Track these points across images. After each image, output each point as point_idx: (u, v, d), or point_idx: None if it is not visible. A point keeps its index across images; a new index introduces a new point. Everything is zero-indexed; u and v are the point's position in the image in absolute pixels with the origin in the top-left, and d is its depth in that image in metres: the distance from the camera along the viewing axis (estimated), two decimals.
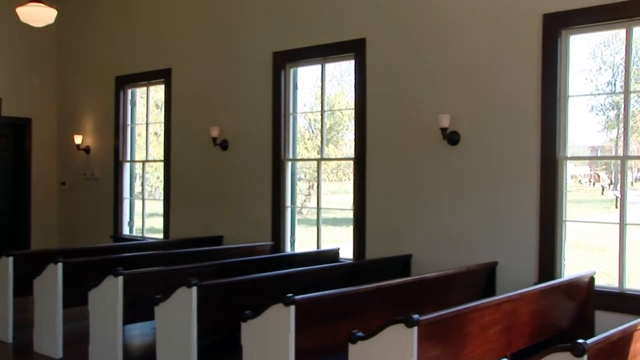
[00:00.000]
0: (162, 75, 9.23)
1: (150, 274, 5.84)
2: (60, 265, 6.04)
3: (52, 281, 6.08)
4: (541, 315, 4.87)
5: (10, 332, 6.56)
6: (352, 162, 7.26)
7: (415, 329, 3.56)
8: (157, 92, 9.83)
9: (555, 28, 5.75)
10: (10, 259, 6.54)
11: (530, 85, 5.87)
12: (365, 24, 7.02)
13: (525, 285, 5.20)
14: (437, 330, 3.77)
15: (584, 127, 6.33)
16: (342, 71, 8.28)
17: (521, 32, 5.94)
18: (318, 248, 7.52)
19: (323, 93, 7.64)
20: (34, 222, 10.91)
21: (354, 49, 7.10)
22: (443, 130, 6.31)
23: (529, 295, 4.73)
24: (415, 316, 3.57)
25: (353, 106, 7.21)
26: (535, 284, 5.42)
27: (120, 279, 5.43)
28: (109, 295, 5.49)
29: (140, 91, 9.97)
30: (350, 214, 7.23)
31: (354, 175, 7.17)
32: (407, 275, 6.40)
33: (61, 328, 6.09)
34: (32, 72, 10.80)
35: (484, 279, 5.98)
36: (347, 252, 7.28)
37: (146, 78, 9.55)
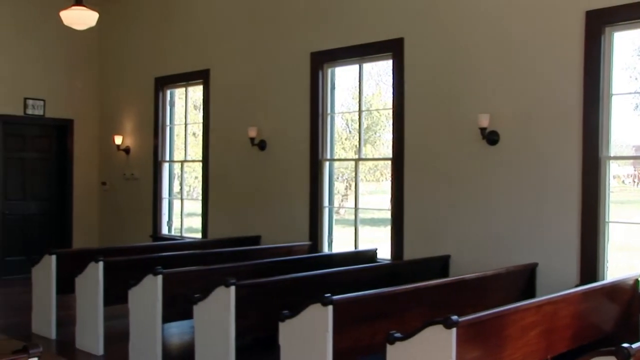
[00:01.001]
0: (200, 76, 9.31)
1: (189, 273, 5.89)
2: (101, 264, 6.14)
3: (93, 279, 6.18)
4: (583, 318, 4.79)
5: (54, 329, 6.70)
6: (389, 162, 7.22)
7: (454, 330, 3.52)
8: (195, 92, 9.92)
9: (599, 25, 5.63)
10: (53, 257, 6.67)
11: (572, 83, 5.77)
12: (403, 23, 6.98)
13: (567, 287, 5.12)
14: (477, 331, 3.72)
15: (628, 126, 6.18)
16: (380, 71, 8.24)
17: (563, 30, 5.84)
18: (356, 248, 7.50)
19: (361, 93, 7.62)
20: (76, 221, 11.09)
21: (391, 48, 7.06)
22: (482, 130, 6.24)
23: (571, 298, 4.65)
24: (454, 317, 3.54)
25: (390, 106, 7.18)
26: (577, 286, 5.32)
27: (160, 278, 5.48)
28: (148, 294, 5.55)
29: (179, 92, 10.06)
30: (387, 214, 7.20)
31: (392, 175, 7.13)
32: (445, 276, 6.35)
33: (102, 325, 6.19)
34: (75, 74, 10.99)
35: (523, 280, 5.89)
36: (384, 253, 7.25)
37: (185, 79, 9.64)
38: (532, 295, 5.78)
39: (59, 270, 6.66)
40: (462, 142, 6.49)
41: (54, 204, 11.03)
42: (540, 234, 5.95)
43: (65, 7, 7.72)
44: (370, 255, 7.23)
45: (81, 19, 7.73)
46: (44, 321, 6.78)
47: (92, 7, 7.92)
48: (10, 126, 10.41)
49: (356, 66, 7.61)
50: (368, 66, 7.75)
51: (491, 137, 6.23)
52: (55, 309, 6.70)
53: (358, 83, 7.61)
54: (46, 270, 6.71)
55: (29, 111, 10.50)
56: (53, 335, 6.69)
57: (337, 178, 8.66)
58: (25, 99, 10.42)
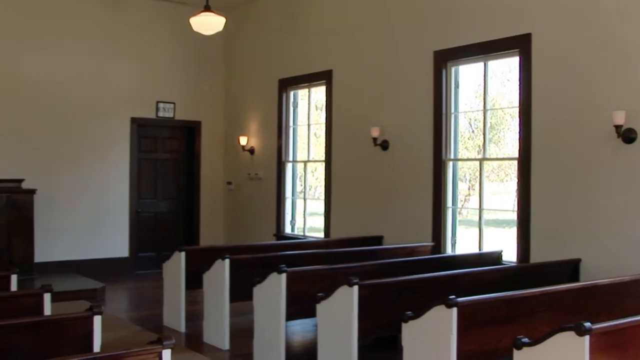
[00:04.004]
0: (323, 77, 9.41)
1: (312, 272, 5.95)
2: (227, 261, 6.32)
3: (219, 276, 6.37)
4: None
5: (183, 323, 6.96)
6: (515, 162, 7.01)
7: (586, 338, 3.36)
8: (318, 93, 10.03)
9: None
10: (183, 254, 6.93)
11: None
12: (531, 18, 6.74)
13: None
14: (613, 340, 3.52)
15: None
16: (504, 68, 8.01)
17: None
18: (480, 250, 7.33)
19: (485, 91, 7.43)
20: (203, 220, 11.49)
21: (518, 44, 6.84)
22: (617, 127, 5.91)
23: None
24: (587, 324, 3.37)
25: (516, 104, 6.96)
26: None
27: (284, 276, 5.57)
28: (272, 292, 5.65)
29: (302, 93, 10.21)
30: (512, 215, 6.98)
31: (518, 175, 6.91)
32: (575, 281, 6.07)
33: (228, 321, 6.36)
34: (202, 78, 11.40)
35: None
36: (510, 255, 7.03)
37: (308, 80, 9.78)
38: None
39: (188, 267, 6.91)
40: (594, 141, 6.18)
41: (182, 202, 11.49)
42: None
43: (195, 14, 8.05)
44: (495, 257, 7.04)
45: (209, 24, 8.03)
46: (174, 315, 7.06)
47: (219, 12, 8.21)
48: (143, 128, 10.95)
49: (480, 64, 7.43)
50: (491, 63, 7.54)
51: (627, 135, 5.89)
52: (184, 304, 6.97)
53: (483, 81, 7.43)
54: (176, 267, 6.99)
55: (160, 114, 11.00)
56: (182, 328, 6.96)
57: (460, 178, 8.48)
58: (157, 102, 10.93)
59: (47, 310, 4.34)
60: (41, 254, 9.55)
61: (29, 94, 9.80)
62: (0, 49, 9.59)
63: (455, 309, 4.16)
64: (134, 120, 10.76)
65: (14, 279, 5.11)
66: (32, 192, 9.34)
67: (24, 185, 9.41)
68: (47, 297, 4.36)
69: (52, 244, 9.87)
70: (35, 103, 9.84)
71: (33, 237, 9.32)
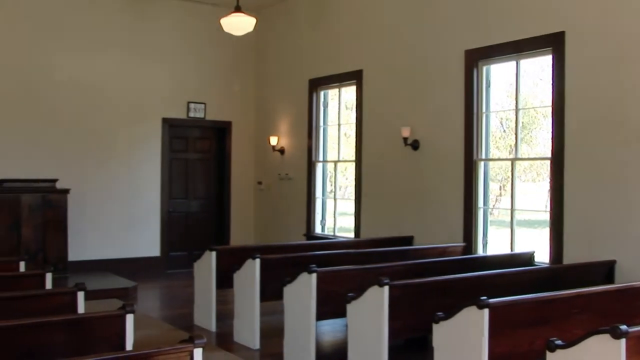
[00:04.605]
0: (353, 77, 9.39)
1: (342, 272, 5.93)
2: (257, 260, 6.33)
3: (250, 276, 6.39)
4: None
5: (214, 322, 7.00)
6: (547, 162, 6.92)
7: (623, 341, 3.30)
8: (348, 93, 10.01)
9: None
10: (214, 253, 6.97)
11: None
12: (564, 16, 6.65)
13: None
14: None
15: None
16: (536, 67, 7.92)
17: None
18: (512, 250, 7.25)
19: (517, 91, 7.34)
20: (233, 219, 11.55)
21: (551, 43, 6.76)
22: None
23: None
24: (624, 327, 3.31)
25: (548, 103, 6.88)
26: None
27: (314, 276, 5.57)
28: (303, 291, 5.65)
29: (332, 93, 10.21)
30: (544, 216, 6.90)
31: (551, 175, 6.83)
32: (610, 283, 5.98)
33: (258, 320, 6.37)
34: (232, 78, 11.46)
35: None
36: (542, 256, 6.95)
37: (338, 80, 9.77)
38: None
39: (218, 266, 6.94)
40: (629, 140, 6.08)
41: (213, 202, 11.56)
42: None
43: (225, 15, 8.09)
44: (527, 258, 6.96)
45: (240, 25, 8.07)
46: (204, 314, 7.10)
47: (249, 13, 8.25)
48: (174, 129, 11.04)
49: (512, 63, 7.35)
50: (524, 62, 7.46)
51: None
52: (215, 303, 7.00)
53: (515, 80, 7.35)
54: (207, 266, 7.03)
55: (191, 114, 11.08)
56: (213, 327, 7.00)
57: (492, 178, 8.41)
58: (188, 102, 11.01)
59: (81, 308, 4.40)
60: (74, 253, 9.67)
61: (63, 95, 9.93)
62: (35, 51, 9.74)
63: (486, 310, 4.13)
64: (165, 121, 10.85)
65: (48, 277, 5.18)
66: (65, 191, 9.47)
67: (58, 185, 9.55)
68: (80, 295, 4.42)
69: (85, 243, 10.00)
70: (68, 104, 9.98)
71: (67, 236, 9.45)
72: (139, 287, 9.08)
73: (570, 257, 6.51)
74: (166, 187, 10.93)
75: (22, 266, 5.82)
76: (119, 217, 10.43)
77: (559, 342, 3.55)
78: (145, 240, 10.71)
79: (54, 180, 9.53)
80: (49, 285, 5.17)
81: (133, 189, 10.58)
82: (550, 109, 6.84)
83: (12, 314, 3.96)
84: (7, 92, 9.56)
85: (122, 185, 10.47)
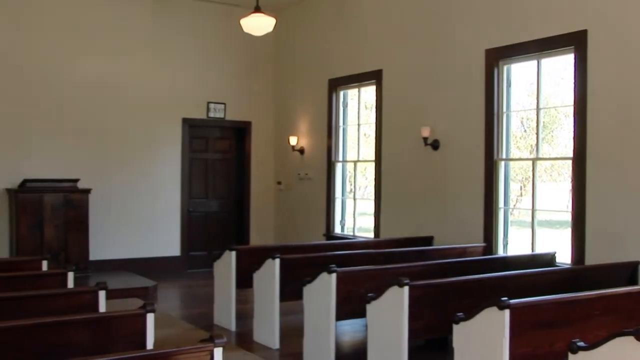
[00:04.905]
0: (373, 77, 9.37)
1: (362, 272, 5.92)
2: (277, 260, 6.34)
3: (270, 275, 6.40)
4: None
5: (234, 321, 7.01)
6: (569, 161, 6.86)
7: None
8: (367, 93, 10.00)
9: None
10: (233, 253, 6.99)
11: None
12: (587, 14, 6.59)
13: None
14: None
15: None
16: (558, 66, 7.85)
17: None
18: (532, 251, 7.20)
19: (539, 90, 7.28)
20: (253, 219, 11.58)
21: (573, 42, 6.70)
22: None
23: None
24: None
25: (569, 102, 6.82)
26: None
27: (334, 276, 5.56)
28: (322, 292, 5.64)
29: (352, 93, 10.20)
30: (566, 216, 6.83)
31: (572, 175, 6.77)
32: (634, 284, 5.91)
33: (278, 320, 6.38)
34: (252, 78, 11.48)
35: None
36: (564, 257, 6.89)
37: (357, 80, 9.76)
38: None
39: (238, 266, 6.96)
40: None
41: (232, 202, 11.59)
42: None
43: (245, 15, 8.10)
44: (548, 258, 6.91)
45: (260, 25, 8.08)
46: (224, 313, 7.12)
47: (269, 13, 8.26)
48: (194, 129, 11.09)
49: (533, 62, 7.30)
50: (546, 61, 7.39)
51: None
52: (234, 302, 7.02)
53: (536, 79, 7.29)
54: (226, 266, 7.05)
55: (211, 114, 11.12)
56: (233, 327, 7.01)
57: (512, 178, 8.35)
58: (208, 102, 11.05)
59: (102, 307, 4.43)
60: (96, 252, 9.75)
61: (85, 96, 10.02)
62: (58, 53, 9.83)
63: (507, 311, 4.10)
64: (185, 121, 10.90)
65: (70, 276, 5.22)
66: (87, 191, 9.55)
67: (80, 185, 9.63)
68: (102, 294, 4.45)
69: (106, 242, 10.08)
70: (90, 105, 10.06)
71: (88, 235, 9.53)
72: (159, 286, 9.13)
73: (593, 258, 6.45)
74: (186, 187, 10.98)
75: (44, 265, 5.87)
76: (140, 217, 10.49)
77: (581, 343, 3.52)
78: (165, 240, 10.77)
79: (76, 180, 9.61)
80: (70, 284, 5.21)
81: (153, 189, 10.64)
82: (572, 109, 6.78)
83: (35, 312, 4.00)
84: (30, 93, 9.66)
85: (143, 185, 10.53)
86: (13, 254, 9.17)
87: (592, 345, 3.47)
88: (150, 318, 3.78)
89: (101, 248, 9.95)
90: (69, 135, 9.90)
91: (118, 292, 7.64)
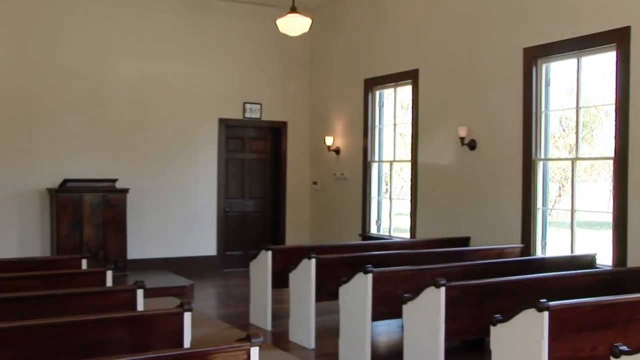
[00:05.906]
0: (409, 76, 9.32)
1: (398, 272, 5.89)
2: (313, 260, 6.34)
3: (305, 275, 6.40)
4: None
5: (269, 321, 7.04)
6: (610, 161, 6.74)
7: None
8: (403, 92, 9.94)
9: None
10: (269, 253, 7.01)
11: None
12: (629, 10, 6.45)
13: None
14: None
15: None
16: (598, 64, 7.71)
17: None
18: (572, 252, 7.08)
19: (579, 89, 7.16)
20: (288, 219, 11.60)
21: (615, 39, 6.57)
22: None
23: None
24: None
25: (610, 101, 6.69)
26: None
27: (370, 276, 5.54)
28: (358, 292, 5.63)
29: (387, 92, 10.15)
30: (606, 217, 6.71)
31: (614, 175, 6.64)
32: None
33: (314, 320, 6.38)
34: (288, 79, 11.51)
35: None
36: (604, 258, 6.76)
37: (394, 79, 9.71)
38: None
39: (274, 266, 6.98)
40: None
41: (268, 202, 11.63)
42: None
43: (281, 15, 8.12)
44: (588, 260, 6.79)
45: (296, 25, 8.09)
46: (260, 313, 7.15)
47: (305, 13, 8.26)
48: (231, 129, 11.15)
49: (573, 60, 7.17)
50: (586, 59, 7.26)
51: None
52: (270, 302, 7.04)
53: (576, 78, 7.16)
54: (262, 265, 7.07)
55: (247, 114, 11.17)
56: (269, 326, 7.04)
57: (551, 179, 8.23)
58: (244, 103, 11.10)
59: (140, 305, 4.48)
60: (133, 251, 9.87)
61: (123, 97, 10.15)
62: (95, 54, 9.96)
63: (546, 313, 4.04)
64: (221, 121, 10.97)
65: (109, 275, 5.30)
66: (125, 191, 9.67)
67: (118, 185, 9.75)
68: (140, 293, 4.50)
69: (143, 241, 10.19)
70: (128, 106, 10.19)
71: (126, 235, 9.64)
72: (195, 285, 9.21)
73: (635, 259, 6.31)
74: (222, 186, 11.04)
75: (84, 264, 5.96)
76: (177, 217, 10.59)
77: (623, 347, 3.44)
78: (201, 240, 10.85)
79: (114, 180, 9.74)
80: (109, 282, 5.28)
81: (190, 189, 10.73)
82: (613, 107, 6.65)
83: (74, 310, 4.06)
84: (71, 96, 9.81)
85: (180, 185, 10.62)
86: (54, 253, 9.33)
87: (635, 350, 3.39)
88: (187, 317, 3.81)
89: (138, 247, 10.07)
90: (108, 136, 10.04)
91: (155, 291, 7.71)
